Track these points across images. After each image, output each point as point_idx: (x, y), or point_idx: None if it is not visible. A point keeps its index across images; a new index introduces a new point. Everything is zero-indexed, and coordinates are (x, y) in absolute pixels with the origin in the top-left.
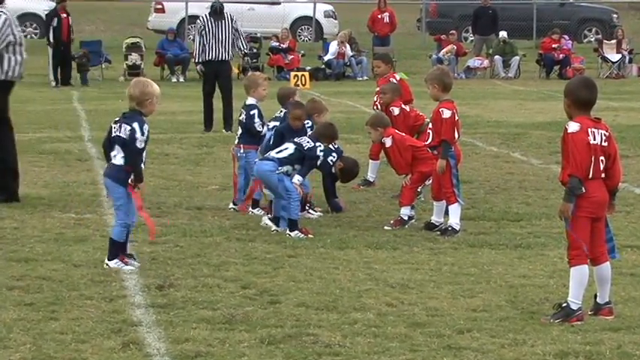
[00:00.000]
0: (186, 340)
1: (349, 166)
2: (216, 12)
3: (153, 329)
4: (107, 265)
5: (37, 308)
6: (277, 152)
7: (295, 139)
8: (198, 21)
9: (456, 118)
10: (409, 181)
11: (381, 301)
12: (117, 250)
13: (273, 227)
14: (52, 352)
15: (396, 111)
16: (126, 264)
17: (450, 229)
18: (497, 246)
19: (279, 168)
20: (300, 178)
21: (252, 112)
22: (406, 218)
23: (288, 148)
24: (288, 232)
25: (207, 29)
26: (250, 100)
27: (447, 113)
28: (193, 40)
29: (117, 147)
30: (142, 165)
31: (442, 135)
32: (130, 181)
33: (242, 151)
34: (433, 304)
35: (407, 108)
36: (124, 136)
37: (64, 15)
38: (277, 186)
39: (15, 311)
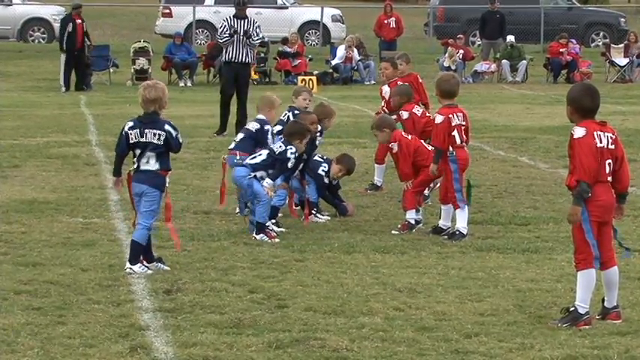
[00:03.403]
0: (193, 345)
1: (347, 164)
2: (239, 4)
3: (160, 333)
4: (131, 269)
5: (45, 312)
6: (251, 158)
7: (270, 145)
8: (222, 21)
9: (456, 123)
10: (410, 185)
11: (389, 305)
12: (139, 253)
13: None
14: (59, 357)
15: (405, 115)
16: (148, 267)
17: (457, 233)
18: (505, 250)
19: (252, 173)
20: (269, 181)
21: (266, 128)
22: (413, 222)
23: (262, 154)
24: (254, 234)
25: (229, 29)
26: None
27: (438, 119)
28: (201, 44)
29: (148, 153)
30: None
31: (432, 141)
32: (167, 185)
33: (238, 157)
34: (441, 308)
35: (419, 113)
36: (158, 142)
37: (79, 21)
38: (248, 189)
39: (23, 315)
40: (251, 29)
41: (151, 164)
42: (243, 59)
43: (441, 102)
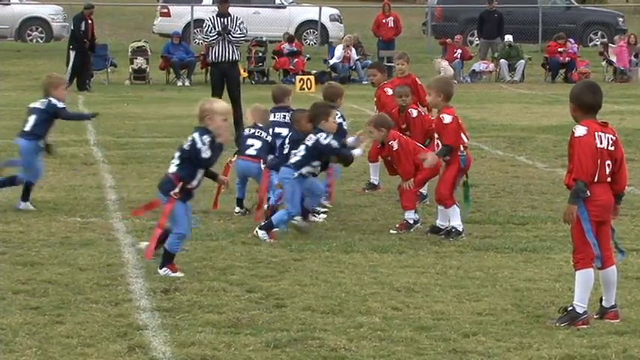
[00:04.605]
0: (191, 344)
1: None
2: (221, 0)
3: (158, 333)
4: (159, 272)
5: (43, 312)
6: (292, 157)
7: (305, 141)
8: (206, 21)
9: (461, 123)
10: (412, 184)
11: (387, 304)
12: (170, 258)
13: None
14: (57, 356)
15: (414, 113)
16: (174, 271)
17: (453, 231)
18: (503, 250)
19: (295, 173)
20: (359, 151)
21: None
22: (412, 222)
23: (300, 151)
24: (257, 230)
25: (213, 29)
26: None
27: (447, 119)
28: (199, 43)
29: (176, 153)
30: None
31: (445, 140)
32: (172, 193)
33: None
34: (439, 307)
35: (423, 112)
36: (185, 147)
37: (90, 21)
38: (290, 191)
39: (21, 315)
40: (233, 26)
41: (172, 166)
42: (230, 57)
43: (439, 105)
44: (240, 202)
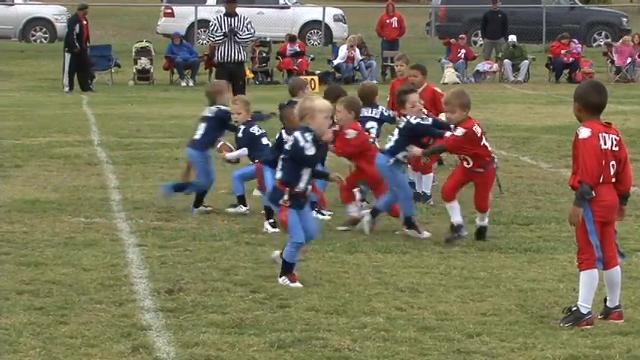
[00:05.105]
0: (195, 344)
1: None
2: (228, 0)
3: (162, 333)
4: (278, 280)
5: (47, 312)
6: (387, 143)
7: (397, 125)
8: (212, 20)
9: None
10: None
11: (391, 305)
12: (288, 268)
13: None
14: (61, 356)
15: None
16: (293, 281)
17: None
18: (507, 250)
19: (391, 160)
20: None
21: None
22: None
23: (394, 135)
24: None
25: (219, 29)
26: None
27: (460, 131)
28: (203, 43)
29: (281, 155)
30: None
31: (445, 143)
32: (281, 201)
33: None
34: (443, 308)
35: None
36: (287, 147)
37: (85, 22)
38: (390, 179)
39: (25, 315)
40: (240, 26)
41: (277, 173)
42: (236, 58)
43: (464, 118)
44: (242, 199)
